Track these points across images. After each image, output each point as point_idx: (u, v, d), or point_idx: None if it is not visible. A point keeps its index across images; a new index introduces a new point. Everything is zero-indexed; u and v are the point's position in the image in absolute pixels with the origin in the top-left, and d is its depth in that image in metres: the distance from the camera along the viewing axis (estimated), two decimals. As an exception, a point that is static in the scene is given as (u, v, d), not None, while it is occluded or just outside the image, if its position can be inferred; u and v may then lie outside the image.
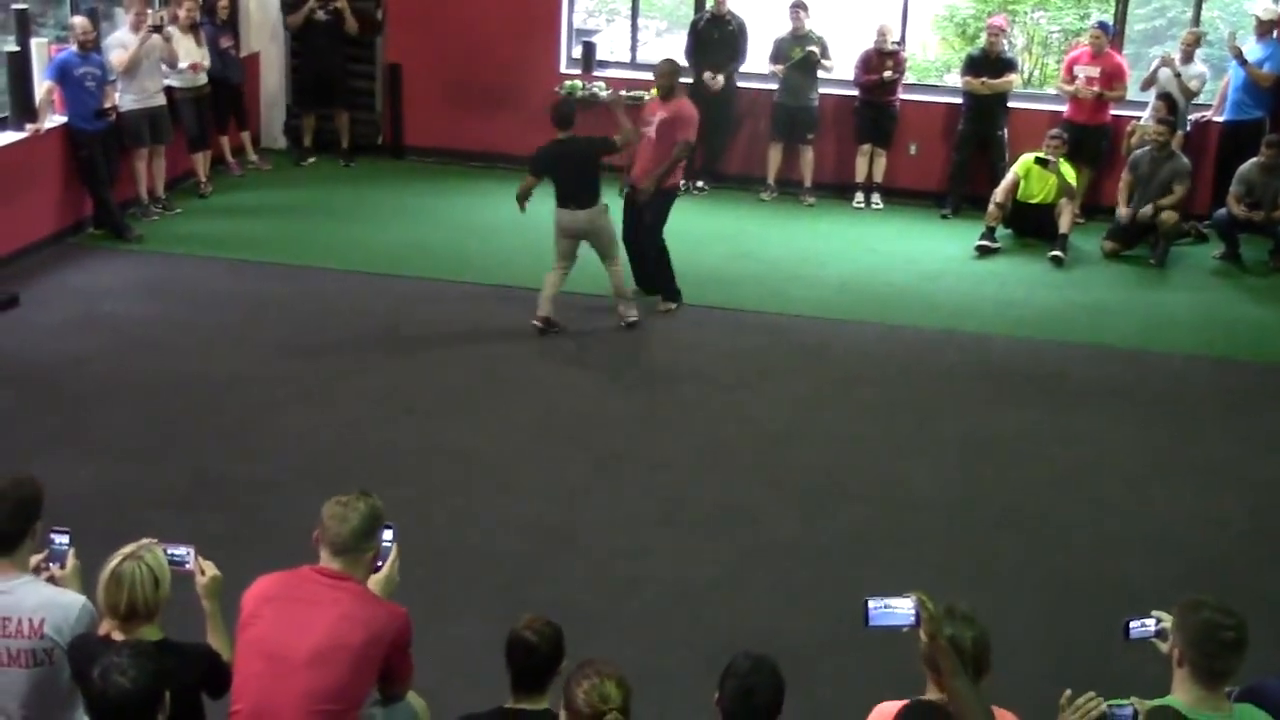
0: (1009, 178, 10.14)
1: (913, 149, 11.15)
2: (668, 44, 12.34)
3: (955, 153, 10.93)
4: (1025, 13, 13.42)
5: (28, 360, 7.61)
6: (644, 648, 5.17)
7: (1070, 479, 6.76)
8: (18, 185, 8.93)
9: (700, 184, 11.21)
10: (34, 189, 9.14)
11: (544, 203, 11.18)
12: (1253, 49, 10.27)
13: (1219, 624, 3.20)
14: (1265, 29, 10.27)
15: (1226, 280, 9.78)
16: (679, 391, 7.63)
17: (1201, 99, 10.65)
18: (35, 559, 3.73)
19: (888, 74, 10.66)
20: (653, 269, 8.70)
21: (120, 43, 9.57)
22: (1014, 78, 10.89)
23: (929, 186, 11.11)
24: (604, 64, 11.60)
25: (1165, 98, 10.20)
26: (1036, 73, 13.18)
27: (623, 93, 8.21)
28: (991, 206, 10.09)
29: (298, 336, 8.12)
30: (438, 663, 4.78)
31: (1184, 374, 8.12)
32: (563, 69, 11.54)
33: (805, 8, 10.73)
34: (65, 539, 3.80)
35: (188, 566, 3.67)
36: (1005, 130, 10.79)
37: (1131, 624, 3.46)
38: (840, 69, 10.93)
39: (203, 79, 10.33)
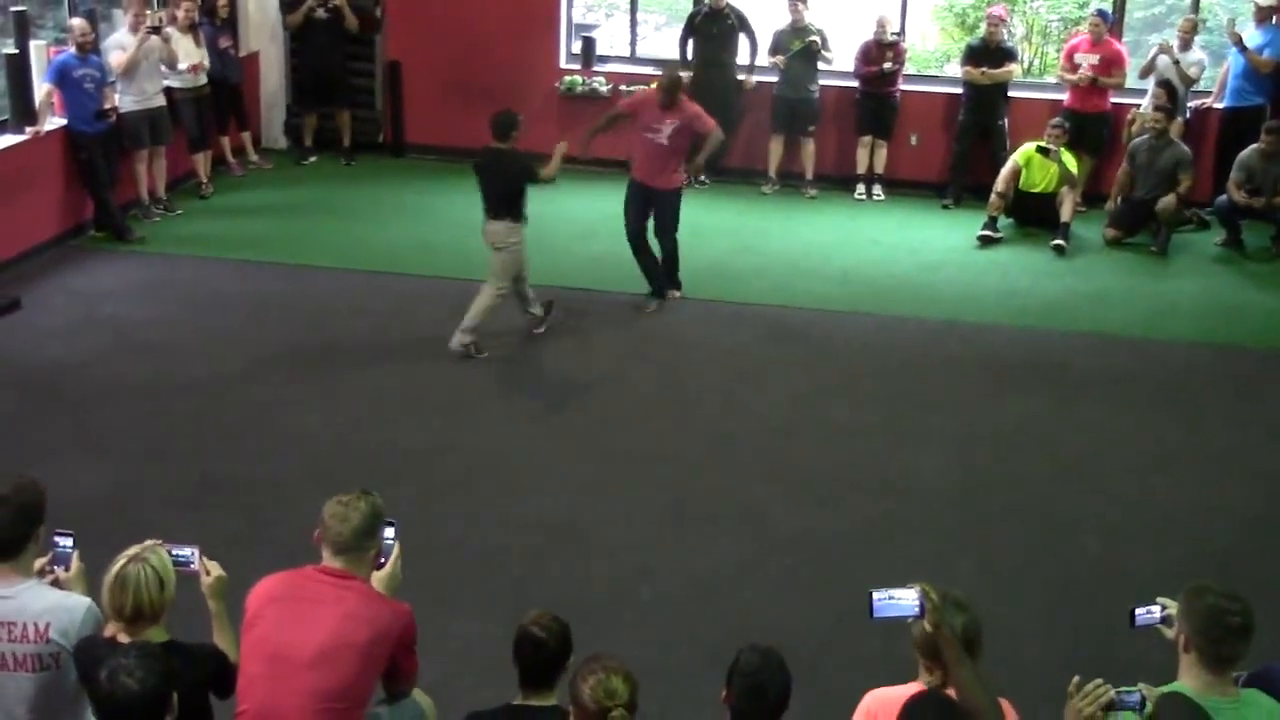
0: (1009, 166, 10.13)
1: (914, 140, 11.15)
2: (667, 38, 12.34)
3: (956, 143, 10.92)
4: (1024, 2, 13.42)
5: (30, 363, 7.62)
6: (650, 642, 5.18)
7: (1074, 468, 6.75)
8: (18, 188, 8.93)
9: (702, 178, 11.19)
10: (34, 192, 9.14)
11: (545, 206, 11.18)
12: (1252, 35, 10.25)
13: (1225, 609, 3.20)
14: (1264, 15, 10.25)
15: (1228, 267, 9.77)
16: (682, 385, 7.63)
17: (1201, 85, 10.64)
18: (39, 562, 3.73)
19: (888, 65, 10.65)
20: (665, 263, 8.69)
21: (119, 44, 9.57)
22: (1014, 67, 10.88)
23: (930, 177, 11.10)
24: (604, 59, 11.61)
25: (1164, 85, 10.18)
26: (1036, 62, 13.17)
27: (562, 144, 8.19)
28: (993, 196, 10.08)
29: (300, 336, 8.12)
30: (444, 660, 4.79)
31: (1187, 362, 8.12)
32: (563, 64, 11.53)
33: (805, 0, 10.72)
34: (69, 542, 3.79)
35: (192, 567, 3.67)
36: (1006, 120, 10.78)
37: (1137, 611, 3.47)
38: (840, 60, 10.92)
39: (202, 79, 10.32)
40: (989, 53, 10.64)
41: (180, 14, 10.04)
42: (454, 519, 6.11)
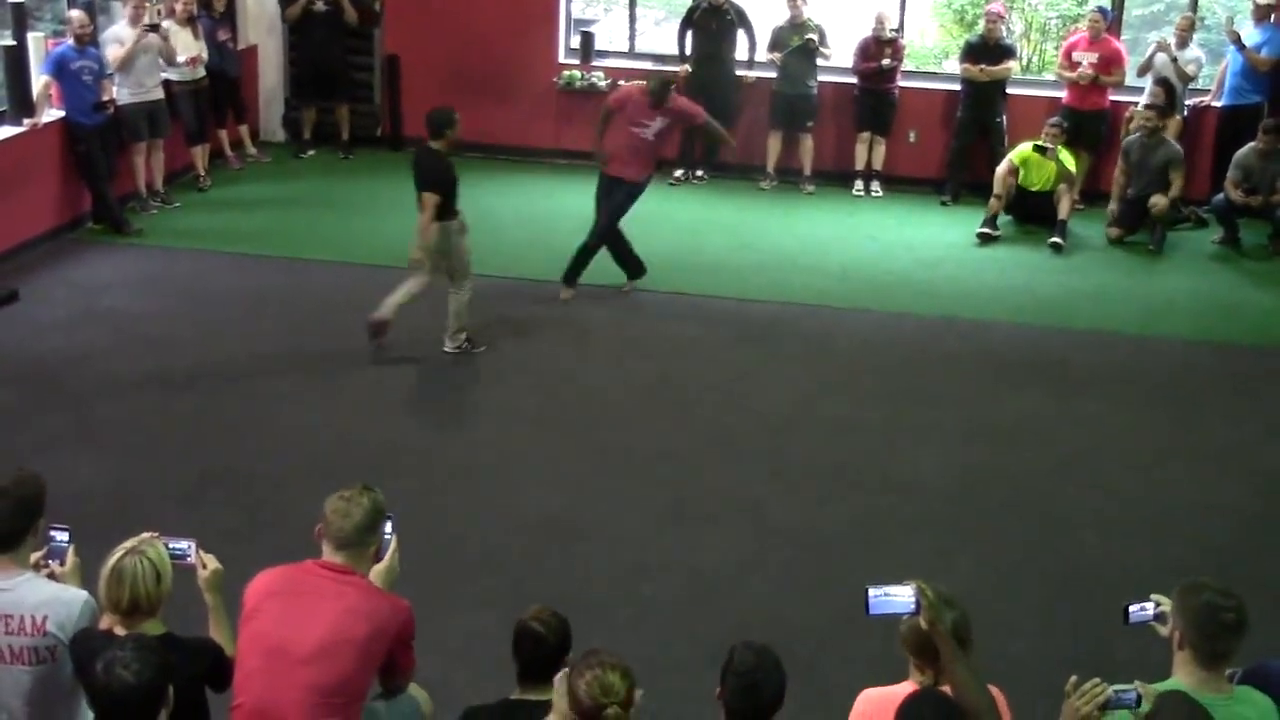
0: (1004, 166, 10.13)
1: (912, 136, 11.14)
2: (665, 33, 12.33)
3: (954, 140, 10.92)
4: (1023, -1, 13.42)
5: (27, 356, 7.61)
6: (648, 639, 5.18)
7: (1072, 465, 6.76)
8: (16, 180, 8.92)
9: (700, 173, 11.20)
10: (32, 184, 9.13)
11: (545, 201, 11.18)
12: (1250, 33, 10.26)
13: (1219, 606, 3.21)
14: (1263, 13, 10.26)
15: (1226, 265, 9.77)
16: (680, 382, 7.63)
17: (1199, 84, 10.64)
18: (35, 557, 3.73)
19: (886, 61, 10.65)
20: (593, 250, 8.71)
21: (117, 38, 9.56)
22: (1013, 64, 10.88)
23: (928, 174, 11.10)
24: (603, 54, 11.60)
25: (1162, 83, 10.19)
26: (1035, 59, 13.17)
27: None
28: (992, 200, 10.10)
29: (298, 330, 8.12)
30: (442, 654, 4.80)
31: (1184, 359, 8.12)
32: (561, 59, 11.53)
33: (804, -5, 10.72)
34: (65, 536, 3.79)
35: (189, 560, 3.67)
36: (1004, 117, 10.78)
37: (1131, 608, 3.48)
38: (839, 57, 10.92)
39: (200, 72, 10.31)
40: (987, 50, 10.64)
41: (179, 7, 10.03)
42: (452, 514, 6.11)
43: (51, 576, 3.72)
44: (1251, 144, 9.77)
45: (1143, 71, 10.55)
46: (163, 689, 3.05)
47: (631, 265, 8.80)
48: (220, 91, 10.75)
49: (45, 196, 9.29)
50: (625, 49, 11.78)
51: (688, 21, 10.99)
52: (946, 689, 3.29)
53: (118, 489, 6.19)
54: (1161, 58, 10.32)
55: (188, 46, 10.08)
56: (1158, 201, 9.81)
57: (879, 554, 5.86)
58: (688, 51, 10.99)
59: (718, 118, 10.77)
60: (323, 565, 3.56)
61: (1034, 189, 10.10)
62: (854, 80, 10.90)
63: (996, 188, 10.11)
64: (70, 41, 9.14)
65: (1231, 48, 10.29)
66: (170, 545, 3.60)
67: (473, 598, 5.43)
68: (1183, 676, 3.25)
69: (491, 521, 6.08)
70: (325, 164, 11.49)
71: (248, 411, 7.06)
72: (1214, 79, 10.70)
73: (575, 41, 11.55)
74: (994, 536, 6.09)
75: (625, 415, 7.20)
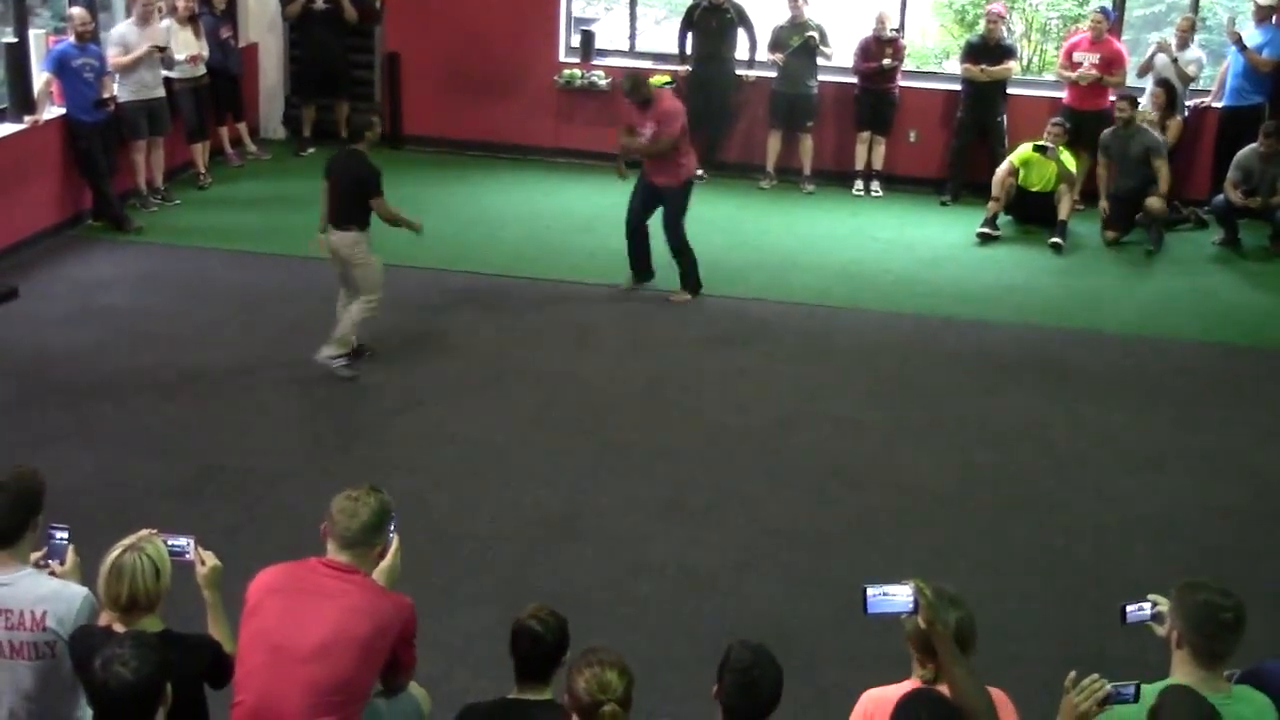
0: (1003, 168, 10.13)
1: (912, 136, 11.14)
2: (666, 32, 12.33)
3: (954, 139, 10.92)
4: (1024, -1, 13.42)
5: (27, 352, 7.61)
6: (648, 635, 5.19)
7: (1071, 465, 6.77)
8: (16, 177, 8.92)
9: (699, 172, 11.18)
10: (33, 181, 9.13)
11: (544, 199, 11.18)
12: (1252, 34, 10.26)
13: (1218, 605, 3.22)
14: (1264, 14, 10.25)
15: (1226, 266, 9.78)
16: (680, 379, 7.63)
17: (1200, 84, 10.64)
18: (35, 556, 3.74)
19: (887, 61, 10.65)
20: (681, 265, 8.67)
21: (123, 39, 9.54)
22: (1013, 65, 10.87)
23: (928, 173, 11.10)
24: (603, 52, 11.60)
25: (1163, 84, 10.19)
26: (1035, 59, 13.17)
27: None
28: (991, 201, 10.10)
29: (298, 327, 8.10)
30: (442, 652, 4.81)
31: (1184, 360, 8.13)
32: (561, 57, 11.53)
33: (804, -5, 10.72)
34: (64, 535, 3.80)
35: (188, 557, 3.67)
36: (1004, 117, 10.78)
37: (1128, 608, 3.48)
38: (839, 56, 10.92)
39: (201, 70, 10.32)
40: (988, 50, 10.64)
41: (181, 5, 10.03)
42: (452, 511, 6.11)
43: (52, 576, 3.72)
44: (1252, 145, 9.76)
45: (1143, 72, 10.56)
46: (161, 686, 3.05)
47: (642, 266, 8.78)
48: (221, 89, 10.75)
49: (46, 193, 9.29)
50: (626, 48, 11.78)
51: (688, 21, 10.99)
52: (945, 688, 3.29)
53: (117, 485, 6.19)
54: (1162, 58, 10.32)
55: (188, 45, 10.09)
56: (1153, 204, 9.81)
57: (877, 553, 5.87)
58: (688, 51, 10.99)
59: (718, 117, 10.86)
60: (326, 563, 3.56)
61: (1034, 189, 10.10)
62: (854, 80, 10.90)
63: (995, 190, 10.11)
64: (71, 39, 9.14)
65: (1233, 49, 10.28)
66: (169, 542, 3.60)
67: (472, 596, 5.43)
68: (1181, 676, 3.26)
69: (490, 519, 6.08)
70: (325, 162, 11.45)
71: (247, 408, 7.06)
72: (1215, 80, 10.70)
73: (576, 40, 11.56)
74: (992, 536, 6.09)
75: (624, 414, 7.20)
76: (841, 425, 7.13)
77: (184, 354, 7.64)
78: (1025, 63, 12.29)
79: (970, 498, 6.43)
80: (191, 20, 10.14)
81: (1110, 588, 5.36)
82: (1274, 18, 10.23)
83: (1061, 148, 9.98)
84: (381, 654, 3.54)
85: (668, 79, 11.07)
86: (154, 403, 7.04)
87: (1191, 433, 7.18)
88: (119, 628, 3.43)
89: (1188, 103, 10.50)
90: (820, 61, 10.81)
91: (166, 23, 10.03)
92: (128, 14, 9.93)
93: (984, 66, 10.59)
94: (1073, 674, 3.26)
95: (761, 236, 9.99)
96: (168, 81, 10.01)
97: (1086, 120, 10.45)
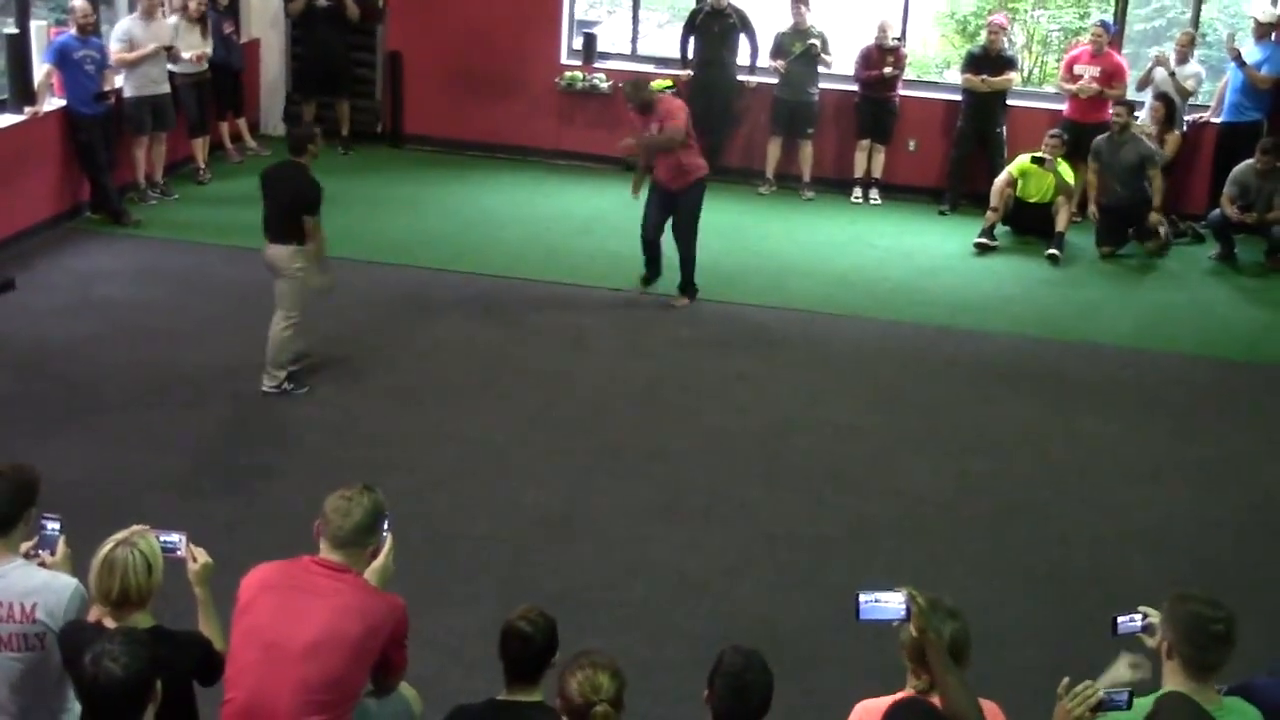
0: (1001, 179, 10.14)
1: (912, 145, 11.16)
2: (668, 36, 12.34)
3: (954, 149, 10.93)
4: (1025, 11, 13.43)
5: (24, 344, 7.60)
6: (642, 637, 5.20)
7: (1067, 475, 6.77)
8: (15, 169, 8.91)
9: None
10: (32, 172, 9.12)
11: (545, 201, 11.18)
12: (1251, 51, 10.28)
13: (1208, 617, 3.23)
14: (1264, 31, 10.28)
15: (1222, 280, 9.79)
16: (676, 383, 7.64)
17: (1199, 100, 10.66)
18: (25, 546, 3.73)
19: (888, 70, 10.66)
20: (682, 266, 8.62)
21: (127, 34, 9.53)
22: (1014, 76, 10.89)
23: (927, 183, 11.11)
24: (605, 55, 11.61)
25: (1162, 98, 10.21)
26: (1036, 71, 13.19)
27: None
28: (989, 212, 10.11)
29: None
30: (435, 652, 4.80)
31: (1181, 373, 8.14)
32: (563, 60, 11.53)
33: (806, 2, 10.73)
34: (56, 526, 3.79)
35: (179, 553, 3.66)
36: (1004, 128, 10.80)
37: (1119, 619, 3.49)
38: (841, 64, 10.93)
39: (204, 66, 10.31)
40: (989, 60, 10.66)
41: (192, 5, 10.03)
42: (447, 511, 6.11)
43: (42, 566, 3.71)
44: (1249, 161, 9.78)
45: (1142, 86, 10.58)
46: (150, 683, 3.03)
47: (652, 268, 8.75)
48: (222, 84, 10.75)
49: (45, 185, 9.28)
50: (628, 51, 11.79)
51: (690, 25, 11.00)
52: (938, 699, 3.30)
53: (111, 478, 6.18)
54: (1160, 72, 10.34)
55: (195, 44, 10.08)
56: (1153, 219, 9.84)
57: (873, 559, 5.87)
58: (689, 55, 11.00)
59: (718, 122, 10.84)
60: (319, 562, 3.56)
61: (1032, 200, 10.12)
62: (855, 88, 10.91)
63: (993, 200, 10.12)
64: (73, 31, 9.14)
65: (1232, 64, 10.31)
66: (161, 538, 3.59)
67: (466, 596, 5.43)
68: (1172, 687, 3.26)
69: (485, 520, 6.08)
70: (325, 159, 11.31)
71: (242, 403, 7.06)
72: (1214, 95, 10.72)
73: (578, 43, 11.56)
74: (987, 544, 6.10)
75: (621, 416, 7.20)
76: (839, 431, 7.13)
77: (181, 348, 7.63)
78: (1026, 74, 12.32)
79: (966, 506, 6.43)
80: (201, 20, 10.14)
81: (1104, 598, 5.35)
82: (1273, 35, 10.25)
83: (1059, 160, 10.00)
84: (372, 654, 3.53)
85: (669, 83, 11.07)
86: (150, 396, 7.03)
87: (1187, 445, 7.19)
88: (109, 623, 3.42)
89: (1186, 117, 10.52)
90: (821, 69, 10.82)
91: (174, 19, 10.03)
92: (130, 8, 9.94)
93: (985, 77, 10.61)
94: (1066, 679, 3.27)
95: (760, 242, 10.00)
96: (170, 76, 10.01)
97: (1086, 133, 10.45)
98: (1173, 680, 3.26)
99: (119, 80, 9.52)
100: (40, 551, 3.75)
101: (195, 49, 10.07)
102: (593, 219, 10.10)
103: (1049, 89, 11.63)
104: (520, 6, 11.42)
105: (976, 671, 3.46)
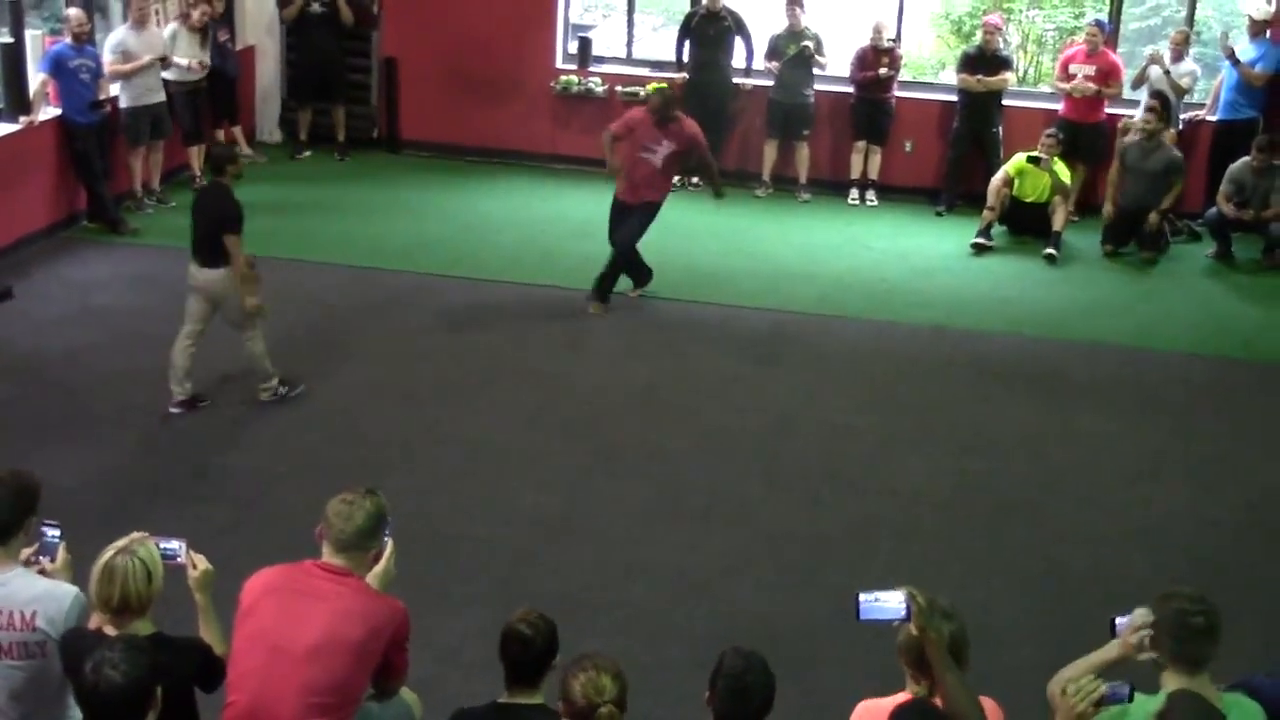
0: (999, 177, 10.15)
1: (908, 146, 11.16)
2: (663, 39, 12.35)
3: (950, 150, 10.94)
4: (1020, 11, 13.44)
5: (21, 353, 7.61)
6: (641, 638, 5.20)
7: (1064, 475, 6.78)
8: (11, 177, 8.91)
9: (695, 180, 11.20)
10: (28, 181, 9.12)
11: (541, 205, 11.18)
12: (1246, 49, 10.29)
13: (1187, 611, 3.26)
14: (1258, 29, 10.29)
15: (1219, 279, 9.80)
16: (674, 385, 7.64)
17: (1195, 98, 10.68)
18: (26, 552, 3.73)
19: (883, 71, 10.67)
20: (620, 266, 8.60)
21: (121, 45, 9.52)
22: (1009, 75, 10.89)
23: (924, 183, 11.12)
24: (600, 59, 11.61)
25: (1157, 96, 10.22)
26: (1031, 71, 13.21)
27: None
28: (985, 211, 10.12)
29: (293, 329, 8.10)
30: (435, 654, 4.81)
31: (1178, 372, 8.14)
32: (559, 64, 11.54)
33: (801, 4, 10.73)
34: (56, 533, 3.79)
35: (179, 560, 3.67)
36: (1000, 128, 10.80)
37: (1117, 620, 3.49)
38: (835, 66, 10.94)
39: (203, 73, 10.31)
40: (985, 60, 10.66)
41: (196, 15, 10.03)
42: (447, 513, 6.12)
43: (42, 573, 3.72)
44: (1245, 159, 9.79)
45: (1137, 84, 10.59)
46: (151, 690, 3.04)
47: (640, 272, 8.78)
48: (217, 92, 10.74)
49: (41, 194, 9.28)
50: (623, 55, 11.79)
51: (685, 28, 11.00)
52: (939, 701, 3.30)
53: (111, 485, 6.19)
54: (1155, 70, 10.35)
55: (193, 52, 10.06)
56: (1152, 220, 9.86)
57: (871, 559, 5.88)
58: (685, 58, 11.01)
59: (714, 125, 10.82)
60: (321, 566, 3.56)
61: (1029, 200, 10.13)
62: (851, 89, 10.92)
63: (990, 199, 10.13)
64: (68, 40, 9.13)
65: (1226, 63, 10.32)
66: (161, 545, 3.60)
67: (467, 598, 5.43)
68: (1168, 685, 3.27)
69: (485, 522, 6.09)
70: (321, 165, 11.49)
71: (240, 409, 7.07)
72: (1209, 94, 10.74)
73: (573, 47, 11.57)
74: (985, 544, 6.10)
75: (619, 417, 7.21)
76: (836, 431, 7.14)
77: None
78: (1021, 74, 12.32)
79: (964, 505, 6.44)
80: (202, 30, 10.13)
81: (1103, 597, 5.36)
82: (1268, 32, 10.26)
83: (1055, 159, 10.01)
84: (374, 657, 3.53)
85: (664, 86, 11.07)
86: (148, 402, 7.03)
87: (1185, 444, 7.19)
88: (110, 630, 3.42)
89: (1182, 116, 10.53)
90: (816, 71, 10.83)
91: (171, 27, 10.02)
92: (125, 16, 9.94)
93: (980, 77, 10.61)
94: (1062, 673, 3.27)
95: (757, 244, 10.00)
96: (164, 84, 10.01)
97: (1082, 132, 10.48)
98: (1170, 680, 3.27)
99: (114, 89, 9.51)
100: (41, 558, 3.75)
101: (194, 57, 10.07)
102: (589, 222, 10.08)
103: (1044, 89, 11.64)
104: (515, 11, 11.42)
105: (974, 670, 3.47)
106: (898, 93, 10.95)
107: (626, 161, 8.42)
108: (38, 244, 9.15)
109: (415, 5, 11.52)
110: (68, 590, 3.63)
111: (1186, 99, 10.49)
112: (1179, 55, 10.35)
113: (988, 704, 3.42)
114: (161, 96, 9.87)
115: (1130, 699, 3.21)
